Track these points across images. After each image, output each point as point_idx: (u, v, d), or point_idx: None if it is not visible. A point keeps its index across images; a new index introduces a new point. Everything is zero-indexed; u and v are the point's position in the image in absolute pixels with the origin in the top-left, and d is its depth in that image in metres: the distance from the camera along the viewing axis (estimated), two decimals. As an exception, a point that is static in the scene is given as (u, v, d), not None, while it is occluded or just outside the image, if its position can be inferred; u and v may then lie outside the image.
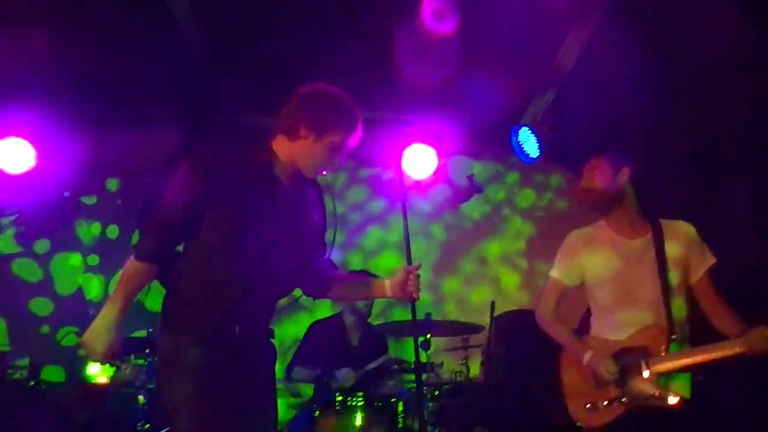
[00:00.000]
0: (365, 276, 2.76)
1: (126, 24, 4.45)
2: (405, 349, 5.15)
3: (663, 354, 2.75)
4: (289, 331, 5.41)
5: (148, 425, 3.74)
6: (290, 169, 2.40)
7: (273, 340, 2.59)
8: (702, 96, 4.27)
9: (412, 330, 2.82)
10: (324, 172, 2.44)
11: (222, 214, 2.25)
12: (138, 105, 5.48)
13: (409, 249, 2.67)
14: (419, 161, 5.23)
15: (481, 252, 5.86)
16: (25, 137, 5.25)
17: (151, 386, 4.76)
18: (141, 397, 3.85)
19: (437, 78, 4.77)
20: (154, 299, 5.32)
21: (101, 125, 5.58)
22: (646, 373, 2.74)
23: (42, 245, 5.62)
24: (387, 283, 2.56)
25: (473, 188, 5.55)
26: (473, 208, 5.85)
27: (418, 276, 2.55)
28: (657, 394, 2.72)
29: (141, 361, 3.98)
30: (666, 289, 2.82)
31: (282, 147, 2.40)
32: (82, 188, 5.73)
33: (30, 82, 4.92)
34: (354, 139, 2.44)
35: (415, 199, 5.68)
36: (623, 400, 2.76)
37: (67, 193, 5.62)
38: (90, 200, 5.77)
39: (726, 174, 4.42)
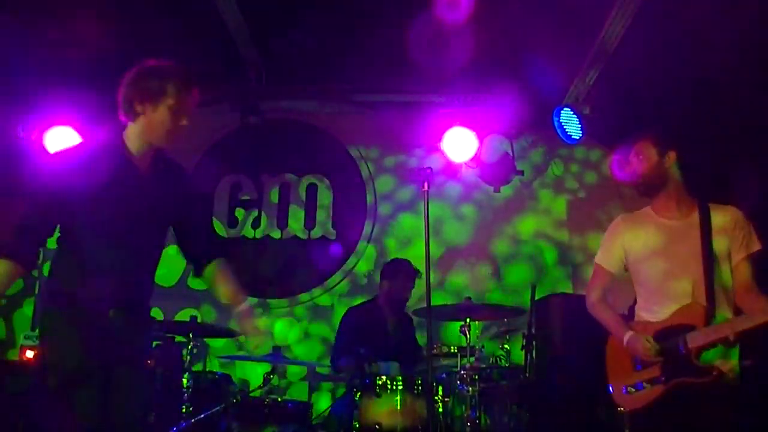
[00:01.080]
0: (225, 278, 2.82)
1: (167, 10, 4.51)
2: (447, 333, 5.14)
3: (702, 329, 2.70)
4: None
5: (192, 407, 3.79)
6: (148, 152, 2.56)
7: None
8: (745, 77, 4.15)
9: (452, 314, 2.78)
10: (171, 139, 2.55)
11: (71, 202, 2.39)
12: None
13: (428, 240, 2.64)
14: (459, 144, 5.19)
15: (515, 230, 5.74)
16: (72, 125, 5.37)
17: (196, 368, 4.88)
18: (185, 380, 3.89)
19: (476, 60, 4.73)
20: (197, 279, 5.48)
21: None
22: (684, 348, 2.69)
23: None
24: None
25: (512, 169, 5.49)
26: (505, 187, 5.74)
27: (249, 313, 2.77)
28: (696, 368, 2.67)
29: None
30: (709, 267, 2.77)
31: (131, 133, 2.54)
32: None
33: (75, 71, 5.01)
34: (191, 95, 2.57)
35: (447, 182, 5.60)
36: (663, 379, 2.72)
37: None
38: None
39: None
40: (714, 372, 2.64)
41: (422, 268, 3.33)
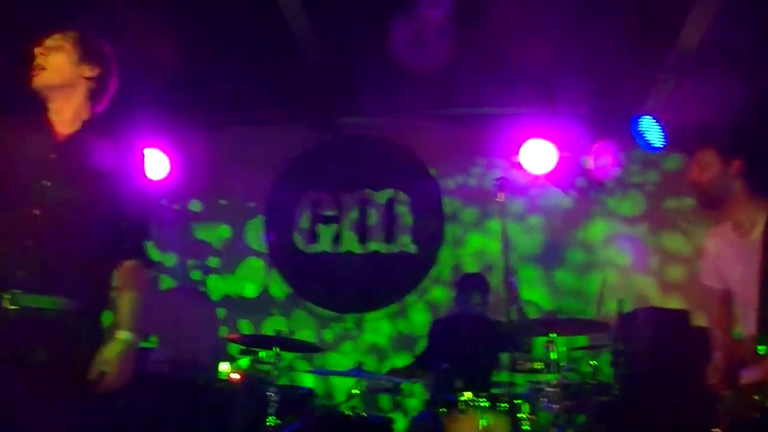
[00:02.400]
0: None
1: (241, 29, 4.63)
2: (532, 348, 5.05)
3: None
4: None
5: (279, 421, 3.86)
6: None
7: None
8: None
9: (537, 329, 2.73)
10: None
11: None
12: (258, 109, 5.73)
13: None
14: (537, 156, 5.12)
15: (587, 238, 5.56)
16: (159, 148, 5.60)
17: (282, 382, 4.97)
18: (271, 393, 3.96)
19: (551, 70, 4.67)
20: (277, 286, 5.63)
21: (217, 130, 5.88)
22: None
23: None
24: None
25: (595, 181, 5.38)
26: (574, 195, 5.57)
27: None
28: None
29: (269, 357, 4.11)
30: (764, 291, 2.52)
31: None
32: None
33: (159, 95, 5.21)
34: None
35: (516, 194, 5.49)
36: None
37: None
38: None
39: None
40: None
41: (498, 282, 3.28)
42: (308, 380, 5.19)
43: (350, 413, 4.03)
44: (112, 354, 2.17)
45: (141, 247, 2.42)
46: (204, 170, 5.82)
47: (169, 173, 5.63)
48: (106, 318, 2.30)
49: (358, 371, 4.23)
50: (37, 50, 2.37)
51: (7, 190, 2.25)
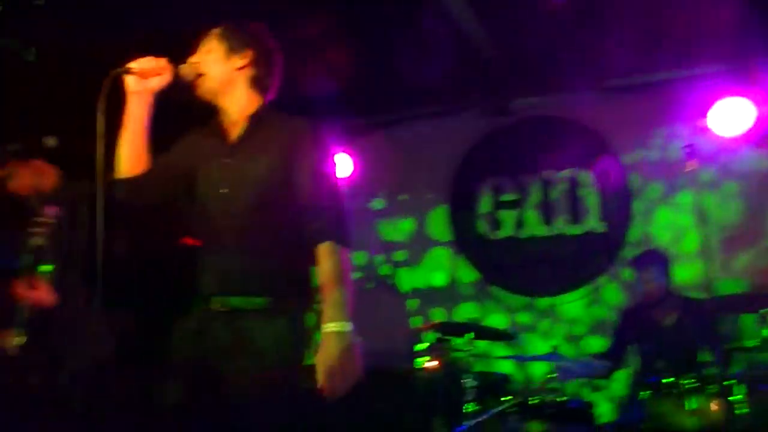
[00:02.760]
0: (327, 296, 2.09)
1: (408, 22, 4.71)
2: (739, 325, 4.70)
3: None
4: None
5: (477, 407, 3.92)
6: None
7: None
8: None
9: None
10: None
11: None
12: (431, 102, 5.82)
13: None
14: (730, 117, 4.74)
15: None
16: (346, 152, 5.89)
17: (479, 369, 5.02)
18: (468, 380, 4.02)
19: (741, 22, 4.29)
20: (465, 274, 5.69)
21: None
22: None
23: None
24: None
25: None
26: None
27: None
28: None
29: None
30: None
31: None
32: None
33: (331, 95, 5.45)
34: None
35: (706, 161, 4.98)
36: None
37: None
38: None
39: None
40: None
41: (696, 256, 3.07)
42: (504, 366, 5.20)
43: (548, 398, 3.99)
44: (330, 351, 1.96)
45: (333, 226, 2.12)
46: (383, 168, 6.02)
47: (352, 174, 5.90)
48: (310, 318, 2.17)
49: (554, 356, 4.19)
50: (190, 60, 2.32)
51: (199, 201, 2.27)
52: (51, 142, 3.21)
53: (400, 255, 6.03)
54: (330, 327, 1.99)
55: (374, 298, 5.92)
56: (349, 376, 1.98)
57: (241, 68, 2.29)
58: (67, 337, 3.18)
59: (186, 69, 2.28)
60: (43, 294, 3.08)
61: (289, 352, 2.08)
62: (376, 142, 6.09)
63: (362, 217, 6.22)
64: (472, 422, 3.83)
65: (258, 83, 2.33)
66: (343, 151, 5.89)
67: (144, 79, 2.21)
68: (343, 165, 5.89)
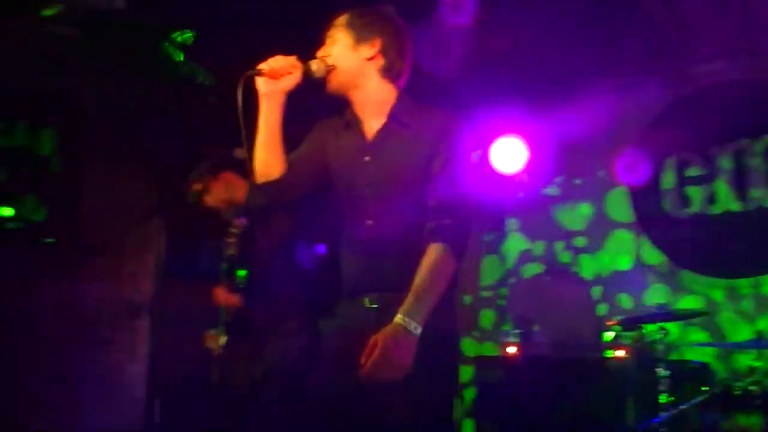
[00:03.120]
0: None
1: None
2: None
3: None
4: None
5: (672, 398, 3.72)
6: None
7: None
8: None
9: None
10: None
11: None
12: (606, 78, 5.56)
13: None
14: None
15: None
16: (518, 134, 5.78)
17: (672, 357, 4.75)
18: (661, 369, 3.83)
19: None
20: (651, 256, 5.39)
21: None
22: None
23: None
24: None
25: None
26: None
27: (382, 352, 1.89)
28: None
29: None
30: None
31: None
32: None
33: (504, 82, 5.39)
34: None
35: None
36: None
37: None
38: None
39: None
40: None
41: None
42: (701, 354, 4.86)
43: (753, 389, 3.69)
44: (388, 339, 1.90)
45: (449, 232, 2.05)
46: (556, 152, 5.85)
47: (528, 162, 5.80)
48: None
49: (759, 342, 3.85)
50: (318, 53, 2.24)
51: (340, 198, 2.26)
52: (241, 153, 3.46)
53: (579, 241, 5.83)
54: (400, 319, 1.93)
55: (557, 287, 5.80)
56: (393, 369, 1.90)
57: (371, 58, 2.19)
58: (262, 336, 3.43)
59: (316, 65, 2.17)
60: (228, 298, 3.33)
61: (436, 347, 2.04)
62: (548, 126, 5.94)
63: (538, 204, 6.12)
64: (669, 413, 3.64)
65: (390, 72, 2.22)
66: (516, 137, 5.80)
67: (275, 79, 2.12)
68: (518, 152, 5.81)
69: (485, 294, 6.36)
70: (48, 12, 3.96)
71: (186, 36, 4.52)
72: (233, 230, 3.39)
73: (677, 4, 4.61)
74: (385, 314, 2.00)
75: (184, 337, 4.24)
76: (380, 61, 2.20)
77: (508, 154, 5.82)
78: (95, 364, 4.58)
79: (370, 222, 2.16)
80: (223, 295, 3.51)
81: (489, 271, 6.39)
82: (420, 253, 2.04)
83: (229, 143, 3.45)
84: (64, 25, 3.97)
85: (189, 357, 4.06)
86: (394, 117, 2.20)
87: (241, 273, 3.41)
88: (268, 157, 2.18)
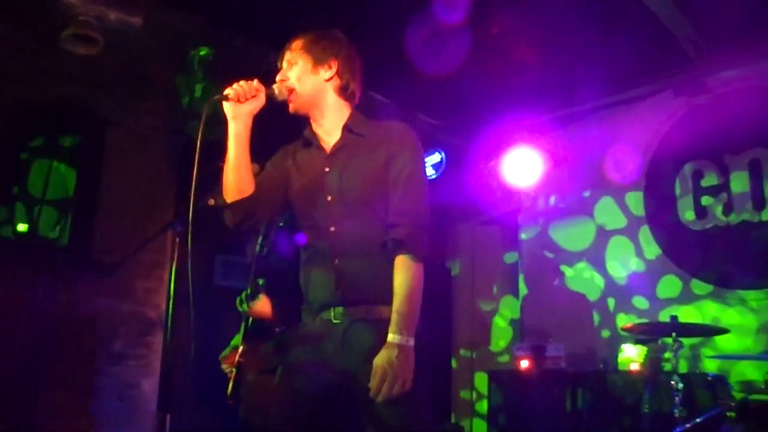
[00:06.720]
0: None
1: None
2: None
3: None
4: None
5: (686, 411, 3.66)
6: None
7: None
8: None
9: None
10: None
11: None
12: (622, 89, 5.53)
13: None
14: None
15: None
16: (531, 144, 5.76)
17: (687, 369, 4.69)
18: (675, 382, 3.78)
19: None
20: (666, 268, 5.32)
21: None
22: None
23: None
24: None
25: None
26: None
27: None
28: None
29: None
30: None
31: None
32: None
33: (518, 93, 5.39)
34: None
35: None
36: None
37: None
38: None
39: None
40: None
41: None
42: (715, 366, 4.78)
43: (771, 400, 3.63)
44: (387, 359, 2.05)
45: (412, 239, 2.18)
46: (571, 164, 5.83)
47: (542, 172, 5.78)
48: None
49: (774, 354, 3.79)
50: (278, 77, 2.38)
51: (302, 211, 2.36)
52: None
53: (591, 250, 5.80)
54: (392, 337, 2.09)
55: (568, 298, 5.77)
56: (399, 384, 2.05)
57: (328, 79, 2.36)
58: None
59: (278, 88, 2.32)
60: (263, 307, 3.32)
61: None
62: (563, 137, 5.93)
63: (548, 216, 6.11)
64: (684, 427, 3.58)
65: (345, 91, 2.39)
66: (533, 149, 5.79)
67: (240, 103, 2.24)
68: (532, 164, 5.80)
69: (499, 306, 6.36)
70: (68, 31, 4.03)
71: (204, 53, 4.59)
72: (252, 244, 3.37)
73: (691, 11, 4.59)
74: (351, 328, 2.18)
75: (197, 352, 4.27)
76: (337, 81, 2.37)
77: (523, 166, 5.81)
78: (110, 379, 4.63)
79: (333, 228, 2.26)
80: (262, 305, 3.44)
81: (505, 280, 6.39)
82: (379, 261, 2.19)
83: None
84: (84, 42, 4.03)
85: (201, 372, 4.08)
86: (349, 129, 2.35)
87: (261, 281, 3.39)
88: (239, 177, 2.28)
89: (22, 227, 4.53)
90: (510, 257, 6.51)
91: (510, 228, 6.44)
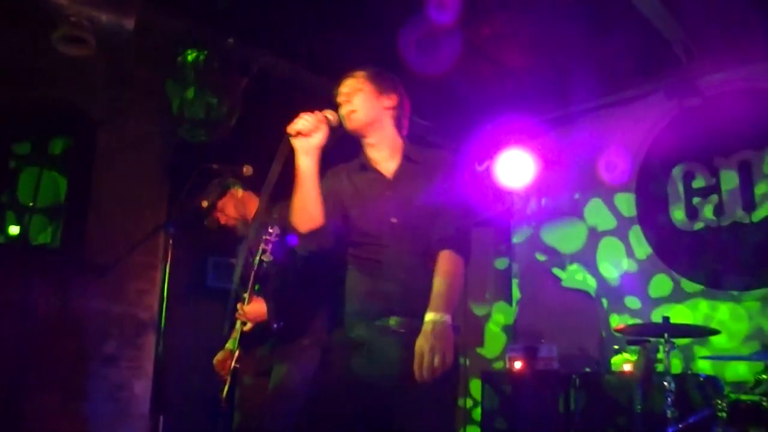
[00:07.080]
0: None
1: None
2: None
3: None
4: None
5: (678, 412, 3.67)
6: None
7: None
8: None
9: None
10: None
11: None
12: (613, 90, 5.56)
13: None
14: None
15: None
16: (524, 146, 5.79)
17: (679, 370, 4.70)
18: (667, 383, 3.79)
19: None
20: (658, 269, 5.34)
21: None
22: None
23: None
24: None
25: None
26: None
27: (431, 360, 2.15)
28: None
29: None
30: None
31: None
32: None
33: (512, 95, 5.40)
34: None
35: None
36: None
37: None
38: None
39: None
40: None
41: None
42: (708, 367, 4.81)
43: (761, 401, 3.64)
44: (426, 337, 2.15)
45: (457, 238, 2.37)
46: (562, 166, 5.85)
47: (534, 174, 5.79)
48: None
49: (764, 354, 3.81)
50: (339, 97, 2.55)
51: (362, 230, 2.47)
52: (247, 170, 3.47)
53: (584, 252, 5.84)
54: (430, 316, 2.20)
55: (562, 298, 5.78)
56: (440, 361, 2.12)
57: (387, 108, 2.56)
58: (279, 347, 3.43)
59: (332, 115, 2.46)
60: (258, 308, 3.34)
61: None
62: (555, 140, 5.95)
63: (540, 218, 6.13)
64: (677, 427, 3.60)
65: (399, 122, 2.61)
66: (526, 151, 5.81)
67: (308, 137, 2.37)
68: (525, 166, 5.81)
69: (492, 309, 6.36)
70: (59, 32, 4.00)
71: (193, 57, 4.57)
72: (268, 237, 3.37)
73: (682, 14, 4.61)
74: (409, 338, 2.23)
75: (189, 353, 4.26)
76: (394, 112, 2.58)
77: (515, 168, 5.82)
78: (102, 381, 4.60)
79: (393, 246, 2.41)
80: (255, 308, 3.44)
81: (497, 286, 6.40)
82: (430, 275, 2.31)
83: (236, 160, 3.50)
84: (75, 44, 4.01)
85: (194, 373, 4.07)
86: (408, 157, 2.55)
87: (256, 287, 3.40)
88: (312, 208, 2.40)
89: (14, 230, 4.51)
90: (501, 263, 6.51)
91: (502, 230, 6.45)
